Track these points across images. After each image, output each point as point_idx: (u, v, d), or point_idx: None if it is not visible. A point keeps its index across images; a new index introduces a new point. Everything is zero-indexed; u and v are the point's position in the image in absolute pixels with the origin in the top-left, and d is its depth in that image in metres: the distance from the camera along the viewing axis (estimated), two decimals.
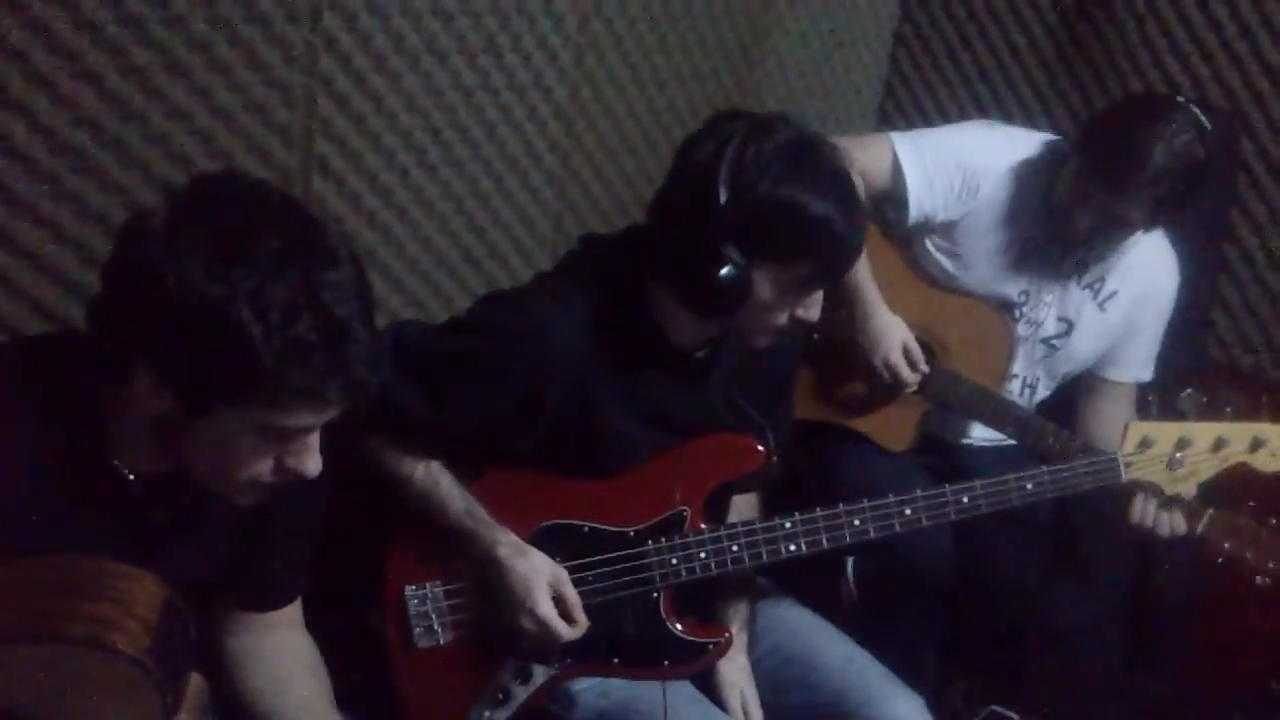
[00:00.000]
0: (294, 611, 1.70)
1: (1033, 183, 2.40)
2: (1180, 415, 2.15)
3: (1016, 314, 2.47)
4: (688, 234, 1.76)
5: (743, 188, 1.72)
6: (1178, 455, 2.09)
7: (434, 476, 1.87)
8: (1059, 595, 2.43)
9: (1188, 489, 2.12)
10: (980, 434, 2.57)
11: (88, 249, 1.86)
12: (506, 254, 2.51)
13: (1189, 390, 2.17)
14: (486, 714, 1.93)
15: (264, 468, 1.35)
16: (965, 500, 1.98)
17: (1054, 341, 2.50)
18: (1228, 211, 2.98)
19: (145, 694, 1.15)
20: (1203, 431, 2.09)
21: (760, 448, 1.94)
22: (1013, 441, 2.47)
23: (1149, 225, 2.33)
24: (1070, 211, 2.31)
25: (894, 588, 2.34)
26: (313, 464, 1.37)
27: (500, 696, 1.93)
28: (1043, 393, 2.57)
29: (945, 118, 3.34)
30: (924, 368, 2.41)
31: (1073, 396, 2.58)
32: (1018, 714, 2.33)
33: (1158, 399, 2.21)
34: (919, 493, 1.97)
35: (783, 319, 1.84)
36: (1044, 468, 2.04)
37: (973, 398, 2.44)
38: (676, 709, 1.91)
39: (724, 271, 1.74)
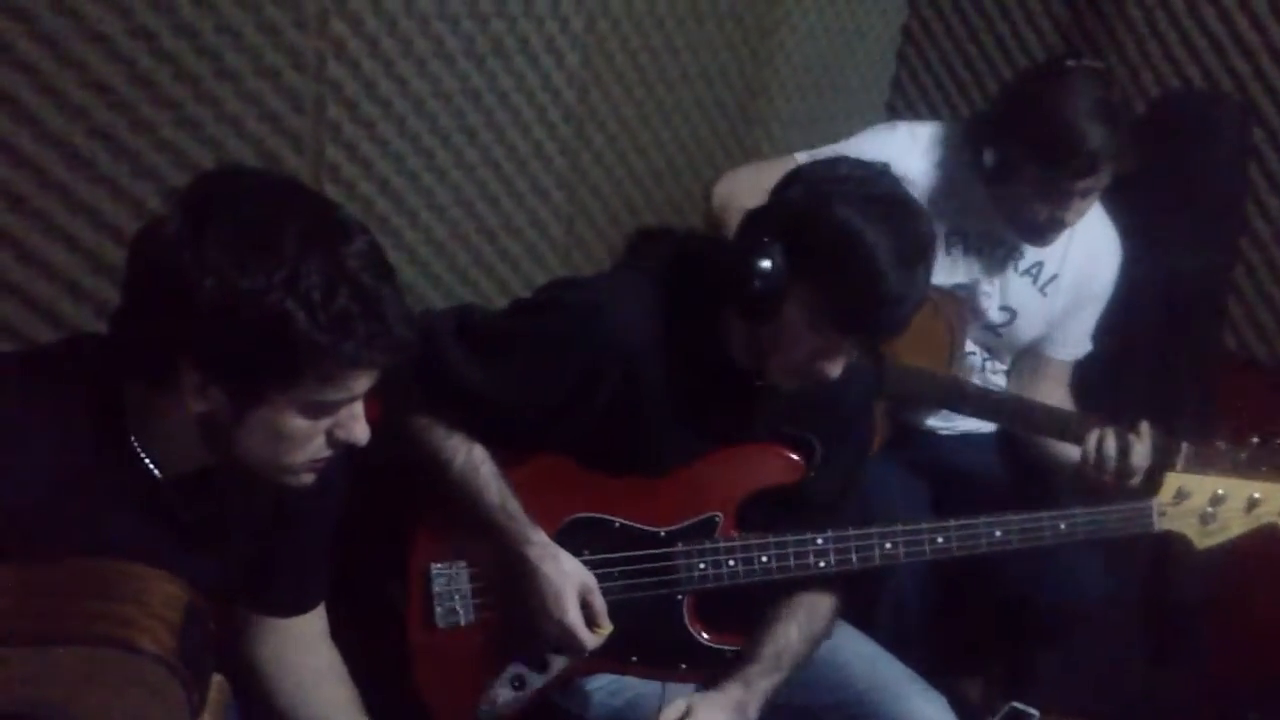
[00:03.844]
0: (319, 622, 1.70)
1: (948, 176, 2.40)
2: (1214, 469, 2.16)
3: None
4: (749, 227, 1.78)
5: (814, 195, 1.73)
6: (1210, 510, 2.10)
7: (474, 463, 1.86)
8: (1074, 567, 2.40)
9: (1216, 543, 2.13)
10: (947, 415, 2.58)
11: (99, 258, 1.86)
12: (518, 258, 2.51)
13: (1224, 444, 2.19)
14: (500, 699, 1.94)
15: (317, 445, 1.38)
16: (998, 534, 1.99)
17: (999, 330, 2.51)
18: (1241, 201, 2.97)
19: (172, 694, 1.17)
20: (1238, 489, 2.11)
21: (797, 458, 1.93)
22: (984, 428, 2.52)
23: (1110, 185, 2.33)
24: (1031, 203, 2.31)
25: (871, 593, 2.32)
26: (362, 431, 1.40)
27: (515, 684, 1.94)
28: (999, 364, 2.58)
29: (954, 113, 3.34)
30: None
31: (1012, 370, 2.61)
32: (1038, 711, 2.30)
33: (1191, 446, 2.22)
34: (952, 521, 1.98)
35: (803, 357, 1.79)
36: (1077, 510, 2.05)
37: (926, 388, 2.46)
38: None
39: (763, 264, 1.72)
